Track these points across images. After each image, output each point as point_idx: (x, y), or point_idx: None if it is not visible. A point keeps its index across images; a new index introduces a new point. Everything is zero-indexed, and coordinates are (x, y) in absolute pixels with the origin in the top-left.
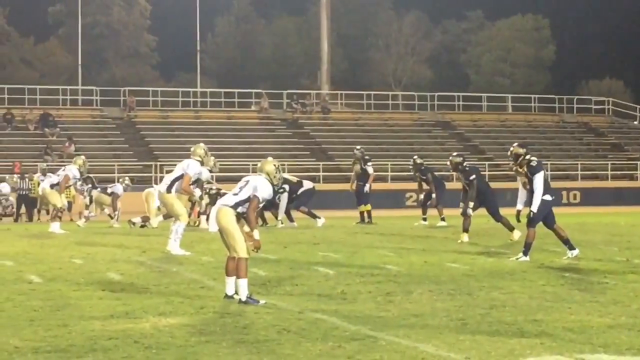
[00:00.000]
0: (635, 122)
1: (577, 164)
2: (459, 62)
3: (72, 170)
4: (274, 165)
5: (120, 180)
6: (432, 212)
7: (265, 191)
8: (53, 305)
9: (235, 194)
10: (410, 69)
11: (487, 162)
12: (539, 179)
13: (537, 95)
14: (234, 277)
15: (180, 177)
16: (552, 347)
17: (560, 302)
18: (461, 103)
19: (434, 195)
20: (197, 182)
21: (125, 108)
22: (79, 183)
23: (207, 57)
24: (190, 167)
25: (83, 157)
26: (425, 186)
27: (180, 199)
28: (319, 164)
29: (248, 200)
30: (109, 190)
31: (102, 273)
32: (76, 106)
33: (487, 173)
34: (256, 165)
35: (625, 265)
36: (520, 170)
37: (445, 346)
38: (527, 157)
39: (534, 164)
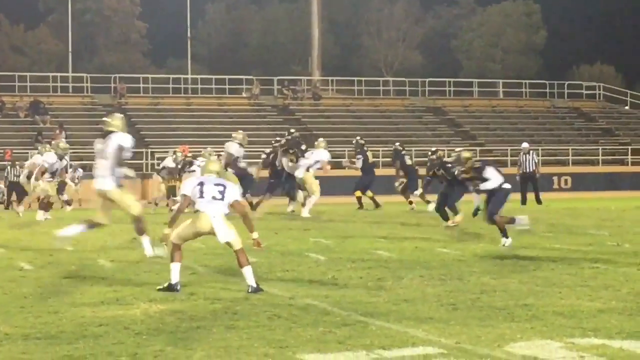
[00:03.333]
0: (627, 107)
1: (568, 149)
2: (450, 47)
3: (47, 157)
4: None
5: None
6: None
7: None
8: (43, 292)
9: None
10: (401, 54)
11: (478, 148)
12: (490, 172)
13: (528, 81)
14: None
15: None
16: (543, 332)
17: (550, 286)
18: (452, 89)
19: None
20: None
21: (116, 95)
22: (70, 170)
23: (197, 44)
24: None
25: (64, 140)
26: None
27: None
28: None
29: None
30: None
31: (92, 260)
32: (67, 93)
33: (478, 159)
34: (249, 152)
35: (616, 249)
36: (467, 175)
37: (436, 331)
38: (471, 160)
39: (477, 165)
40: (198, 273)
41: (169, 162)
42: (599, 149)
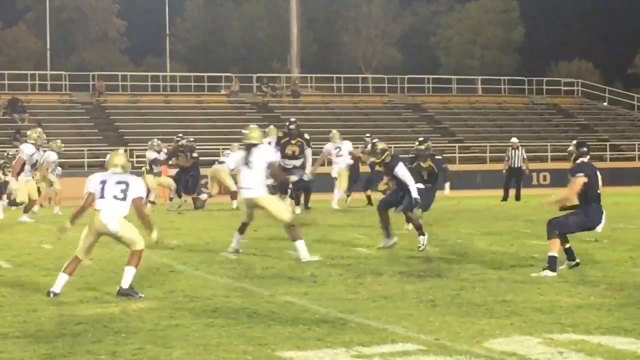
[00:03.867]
0: (605, 103)
1: (547, 145)
2: (428, 44)
3: (24, 148)
4: (125, 156)
5: None
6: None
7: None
8: (22, 291)
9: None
10: (380, 51)
11: (457, 145)
12: (401, 169)
13: (506, 77)
14: None
15: None
16: (522, 327)
17: (529, 282)
18: (431, 85)
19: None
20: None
21: (95, 93)
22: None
23: (176, 41)
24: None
25: (39, 129)
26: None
27: None
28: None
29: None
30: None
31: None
32: (45, 91)
33: (457, 155)
34: (227, 148)
35: (594, 245)
36: (380, 169)
37: (415, 327)
38: (386, 153)
39: (388, 160)
40: (177, 271)
41: (152, 155)
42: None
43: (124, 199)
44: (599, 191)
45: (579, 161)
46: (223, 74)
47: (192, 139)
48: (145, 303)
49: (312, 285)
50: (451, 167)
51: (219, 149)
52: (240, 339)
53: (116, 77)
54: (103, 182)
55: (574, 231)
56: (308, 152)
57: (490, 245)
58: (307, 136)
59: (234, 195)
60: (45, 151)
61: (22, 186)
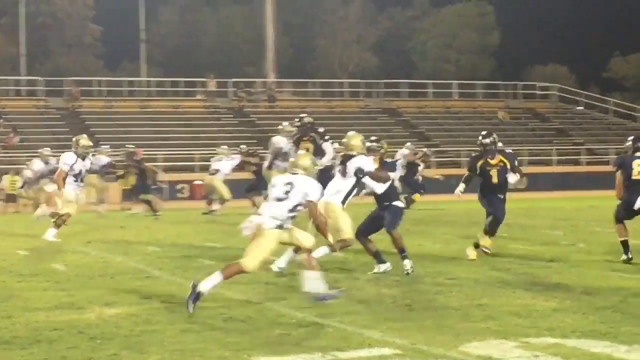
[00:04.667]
0: (580, 108)
1: (523, 149)
2: (404, 49)
3: (65, 158)
4: (310, 159)
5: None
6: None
7: (317, 191)
8: None
9: (280, 200)
10: (356, 56)
11: (433, 149)
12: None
13: (482, 82)
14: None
15: None
16: (498, 331)
17: (505, 286)
18: (407, 90)
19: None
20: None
21: (70, 98)
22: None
23: (152, 47)
24: None
25: (85, 136)
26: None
27: None
28: (267, 152)
29: (298, 206)
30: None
31: (46, 264)
32: (20, 97)
33: (433, 160)
34: (204, 154)
35: (570, 249)
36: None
37: (392, 332)
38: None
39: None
40: (153, 276)
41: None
42: (553, 149)
43: None
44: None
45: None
46: (199, 79)
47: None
48: (121, 309)
49: (288, 290)
50: (427, 172)
51: (195, 154)
52: (216, 345)
53: (91, 82)
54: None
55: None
56: (326, 146)
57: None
58: (321, 129)
59: (222, 202)
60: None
61: (72, 200)
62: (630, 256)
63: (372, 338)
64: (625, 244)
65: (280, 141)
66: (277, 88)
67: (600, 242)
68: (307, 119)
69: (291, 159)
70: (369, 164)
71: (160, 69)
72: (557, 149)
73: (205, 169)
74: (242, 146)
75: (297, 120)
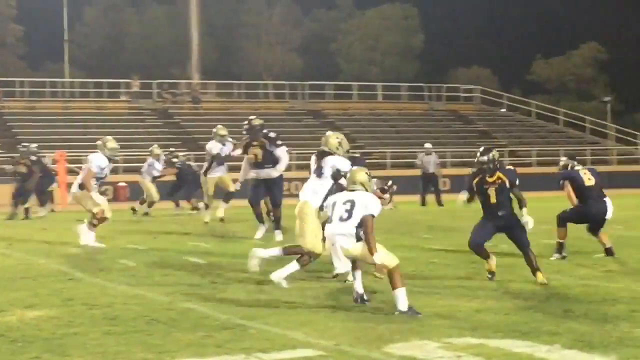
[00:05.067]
0: (503, 110)
1: (447, 151)
2: (329, 50)
3: (95, 160)
4: (366, 173)
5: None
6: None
7: (377, 205)
8: None
9: (344, 219)
10: (281, 58)
11: (358, 151)
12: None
13: (406, 84)
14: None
15: None
16: (421, 332)
17: (429, 287)
18: (332, 92)
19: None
20: None
21: None
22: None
23: (75, 47)
24: None
25: (110, 137)
26: None
27: None
28: (191, 154)
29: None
30: None
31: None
32: None
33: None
34: (127, 156)
35: (493, 250)
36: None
37: (316, 333)
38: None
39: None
40: (75, 278)
41: None
42: (476, 151)
43: None
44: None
45: None
46: (123, 80)
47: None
48: (43, 311)
49: (212, 292)
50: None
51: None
52: (139, 347)
53: (14, 83)
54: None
55: None
56: (280, 151)
57: (391, 250)
58: (272, 134)
59: (151, 205)
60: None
61: (106, 202)
62: (564, 254)
63: (295, 339)
64: (562, 245)
65: (214, 147)
66: (201, 89)
67: None
68: (257, 122)
69: (348, 176)
70: (345, 164)
71: (83, 70)
72: (479, 151)
73: (129, 170)
74: (171, 149)
75: (245, 123)
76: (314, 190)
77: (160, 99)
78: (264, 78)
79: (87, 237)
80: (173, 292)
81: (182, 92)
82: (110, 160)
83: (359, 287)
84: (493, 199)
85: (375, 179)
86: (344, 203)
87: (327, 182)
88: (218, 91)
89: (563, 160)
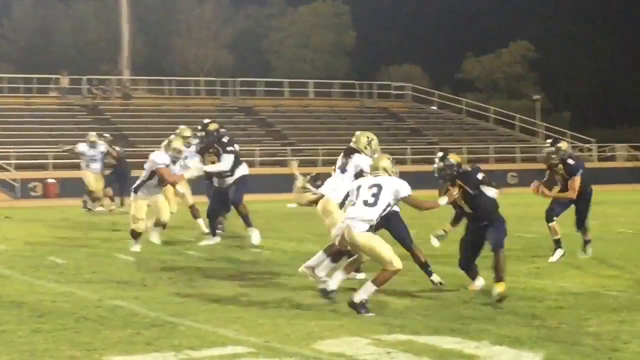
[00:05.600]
0: (434, 107)
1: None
2: (260, 47)
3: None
4: (388, 158)
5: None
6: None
7: (406, 186)
8: None
9: (370, 204)
10: (212, 54)
11: (289, 148)
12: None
13: (338, 81)
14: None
15: None
16: (351, 329)
17: (358, 284)
18: (263, 88)
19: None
20: None
21: None
22: None
23: (4, 42)
24: None
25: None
26: None
27: None
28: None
29: (388, 206)
30: None
31: None
32: None
33: (289, 158)
34: (58, 152)
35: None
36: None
37: (245, 330)
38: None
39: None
40: (4, 276)
41: None
42: (407, 148)
43: None
44: None
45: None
46: (52, 76)
47: None
48: None
49: (142, 289)
50: (281, 170)
51: (47, 152)
52: (68, 344)
53: None
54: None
55: None
56: (225, 157)
57: (309, 246)
58: (225, 139)
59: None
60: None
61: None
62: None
63: (225, 336)
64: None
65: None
66: (132, 85)
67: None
68: (212, 127)
69: (371, 163)
70: (368, 164)
71: (12, 65)
72: (411, 148)
73: (59, 167)
74: (106, 135)
75: (199, 127)
76: (334, 186)
77: (90, 95)
78: (195, 74)
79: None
80: (102, 289)
81: (112, 88)
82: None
83: (333, 285)
84: (467, 209)
85: (308, 176)
86: (370, 187)
87: (349, 180)
88: (149, 87)
89: (559, 145)
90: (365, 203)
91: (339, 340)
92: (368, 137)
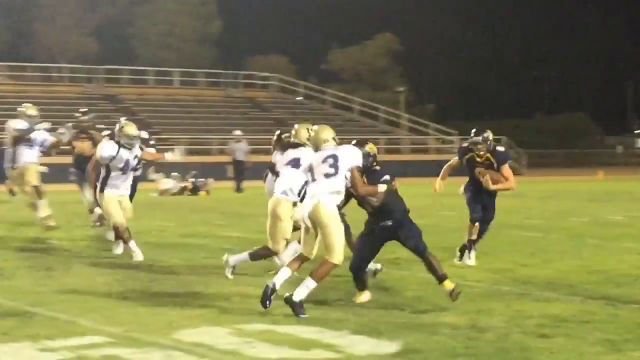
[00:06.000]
0: (300, 98)
1: (244, 138)
2: (125, 35)
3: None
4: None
5: None
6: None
7: (359, 155)
8: None
9: (332, 175)
10: (76, 41)
11: (155, 137)
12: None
13: (203, 70)
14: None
15: None
16: (212, 319)
17: (218, 275)
18: (128, 76)
19: None
20: None
21: None
22: None
23: None
24: None
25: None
26: None
27: None
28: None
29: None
30: None
31: None
32: None
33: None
34: None
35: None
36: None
37: (104, 319)
38: None
39: None
40: None
41: None
42: (272, 138)
43: None
44: None
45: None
46: None
47: None
48: None
49: None
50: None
51: None
52: None
53: None
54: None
55: None
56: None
57: (183, 238)
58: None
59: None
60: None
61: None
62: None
63: (84, 326)
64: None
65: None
66: None
67: None
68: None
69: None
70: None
71: None
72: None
73: None
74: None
75: (78, 113)
76: (290, 185)
77: None
78: (59, 61)
79: None
80: None
81: None
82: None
83: (278, 282)
84: (369, 207)
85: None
86: (324, 161)
87: (302, 177)
88: (10, 73)
89: (486, 135)
90: (327, 175)
91: (198, 330)
92: (308, 130)
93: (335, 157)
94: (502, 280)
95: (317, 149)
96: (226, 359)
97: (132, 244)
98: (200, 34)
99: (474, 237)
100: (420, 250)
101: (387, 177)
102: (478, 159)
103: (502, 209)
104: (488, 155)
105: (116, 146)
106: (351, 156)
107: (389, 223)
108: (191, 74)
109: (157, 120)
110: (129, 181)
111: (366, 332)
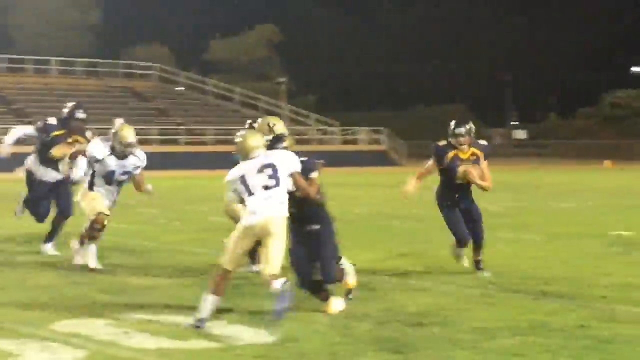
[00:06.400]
0: (181, 88)
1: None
2: (2, 22)
3: None
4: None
5: None
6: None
7: (296, 160)
8: None
9: (273, 186)
10: None
11: (31, 127)
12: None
13: (82, 59)
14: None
15: None
16: (90, 310)
17: (104, 264)
18: (5, 65)
19: None
20: None
21: None
22: None
23: None
24: None
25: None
26: None
27: None
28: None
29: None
30: None
31: None
32: None
33: None
34: None
35: (166, 227)
36: None
37: None
38: None
39: None
40: None
41: None
42: (154, 128)
43: None
44: None
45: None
46: None
47: None
48: None
49: None
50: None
51: None
52: None
53: None
54: None
55: None
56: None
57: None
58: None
59: None
60: None
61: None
62: None
63: None
64: None
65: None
66: None
67: (192, 219)
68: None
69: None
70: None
71: None
72: (158, 129)
73: None
74: None
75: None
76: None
77: None
78: None
79: None
80: None
81: None
82: None
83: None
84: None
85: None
86: (260, 171)
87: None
88: None
89: (470, 126)
90: (267, 188)
91: (76, 320)
92: (269, 125)
93: (273, 167)
94: (379, 270)
95: (245, 158)
96: (103, 349)
97: (92, 248)
98: (79, 22)
99: (478, 257)
100: (328, 278)
101: (314, 162)
102: (462, 156)
103: (380, 198)
104: (473, 149)
105: (106, 150)
106: (289, 162)
107: (315, 227)
108: (69, 63)
109: (35, 110)
110: (113, 197)
111: (246, 322)
